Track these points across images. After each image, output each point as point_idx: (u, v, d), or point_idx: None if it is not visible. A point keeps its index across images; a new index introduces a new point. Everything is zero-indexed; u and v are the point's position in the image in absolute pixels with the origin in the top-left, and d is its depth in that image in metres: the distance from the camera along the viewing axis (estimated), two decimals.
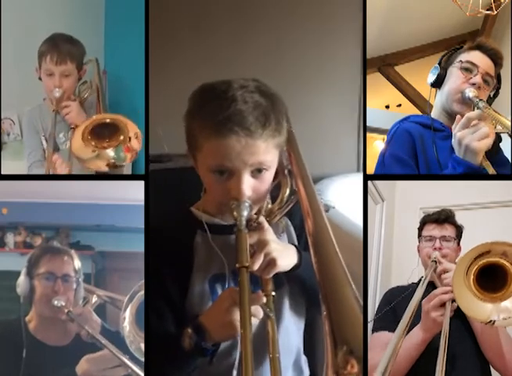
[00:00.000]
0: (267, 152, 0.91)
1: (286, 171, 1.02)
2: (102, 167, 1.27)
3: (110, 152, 1.26)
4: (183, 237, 1.03)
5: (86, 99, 1.57)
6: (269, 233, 0.96)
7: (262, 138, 0.89)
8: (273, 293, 0.90)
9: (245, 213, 0.92)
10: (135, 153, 1.28)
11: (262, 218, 0.98)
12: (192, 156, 0.98)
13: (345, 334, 0.69)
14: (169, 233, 1.04)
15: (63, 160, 1.43)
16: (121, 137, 1.27)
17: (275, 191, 1.02)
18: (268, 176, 0.95)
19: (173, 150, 1.73)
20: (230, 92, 0.89)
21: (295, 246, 1.03)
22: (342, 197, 1.84)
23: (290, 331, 1.07)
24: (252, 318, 0.83)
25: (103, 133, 1.28)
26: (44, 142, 1.54)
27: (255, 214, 0.99)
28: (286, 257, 0.96)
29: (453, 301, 1.10)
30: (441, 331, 1.09)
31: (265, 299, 0.88)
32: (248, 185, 0.92)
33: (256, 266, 0.89)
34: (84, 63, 1.57)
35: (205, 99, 0.92)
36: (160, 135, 1.65)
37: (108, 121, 1.29)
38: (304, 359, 1.13)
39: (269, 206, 1.03)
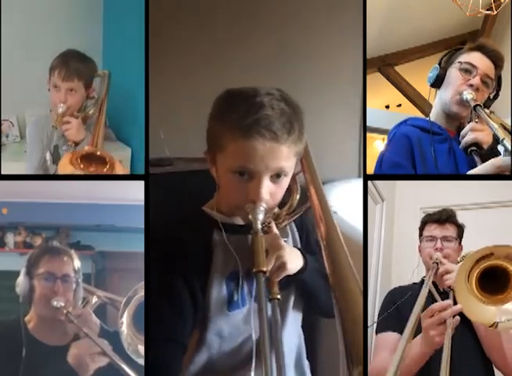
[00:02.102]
0: (288, 158, 0.94)
1: (296, 178, 1.05)
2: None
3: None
4: (199, 237, 1.03)
5: (91, 116, 1.57)
6: (279, 237, 0.98)
7: (286, 143, 0.92)
8: (278, 296, 0.90)
9: (260, 216, 0.94)
10: None
11: (272, 223, 1.01)
12: (211, 156, 0.99)
13: (360, 354, 0.69)
14: (184, 234, 1.03)
15: None
16: (105, 169, 1.39)
17: (285, 197, 1.03)
18: (285, 182, 0.98)
19: (174, 153, 1.74)
20: (258, 98, 0.92)
21: (299, 250, 1.04)
22: (344, 202, 1.85)
23: (291, 331, 1.08)
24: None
25: (92, 158, 1.39)
26: (47, 154, 1.54)
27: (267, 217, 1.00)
28: (294, 260, 0.98)
29: (454, 316, 1.06)
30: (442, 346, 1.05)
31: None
32: (267, 189, 0.94)
33: (268, 269, 0.90)
34: (96, 76, 1.58)
35: (232, 102, 0.94)
36: (161, 139, 1.65)
37: (98, 154, 1.41)
38: (306, 364, 1.15)
39: (276, 210, 1.05)
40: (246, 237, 1.02)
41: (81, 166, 1.38)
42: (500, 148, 1.17)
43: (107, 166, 1.39)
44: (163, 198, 1.29)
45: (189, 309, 0.98)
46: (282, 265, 0.93)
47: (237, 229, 1.03)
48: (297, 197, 1.06)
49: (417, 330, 1.06)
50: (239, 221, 1.03)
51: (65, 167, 1.37)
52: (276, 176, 0.94)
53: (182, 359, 0.97)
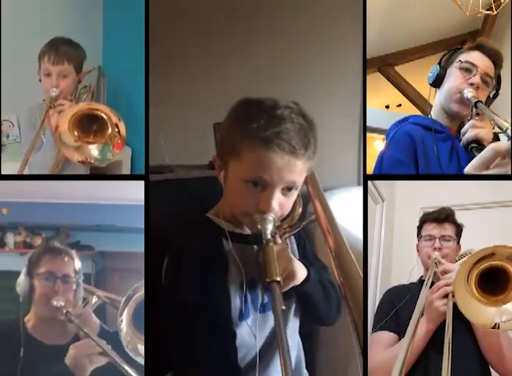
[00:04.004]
0: (301, 173, 0.96)
1: (299, 192, 1.04)
2: (76, 159, 1.29)
3: (94, 150, 1.29)
4: (205, 245, 1.02)
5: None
6: (286, 247, 1.00)
7: (303, 159, 0.93)
8: (283, 307, 0.87)
9: (269, 227, 0.94)
10: (122, 147, 1.28)
11: (277, 235, 1.00)
12: (222, 161, 0.99)
13: None
14: (187, 239, 1.03)
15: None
16: (109, 131, 1.27)
17: None
18: (294, 196, 0.99)
19: (174, 160, 1.73)
20: (278, 110, 0.93)
21: (301, 261, 1.04)
22: (343, 210, 1.84)
23: (290, 342, 1.07)
24: None
25: (90, 128, 1.29)
26: (43, 141, 1.54)
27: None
28: (300, 270, 0.99)
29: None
30: (444, 322, 1.11)
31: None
32: (277, 200, 0.94)
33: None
34: (88, 71, 1.58)
35: (252, 112, 0.94)
36: (161, 146, 1.65)
37: (98, 113, 1.27)
38: (305, 374, 1.15)
39: (277, 223, 1.04)
40: (250, 247, 1.03)
41: (75, 133, 1.28)
42: (503, 138, 1.17)
43: (109, 129, 1.27)
44: (163, 204, 1.28)
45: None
46: (291, 275, 0.94)
47: (241, 239, 1.03)
48: (300, 210, 1.07)
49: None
50: (244, 230, 1.03)
51: (63, 123, 1.28)
52: (287, 189, 0.95)
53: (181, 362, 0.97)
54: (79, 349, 1.13)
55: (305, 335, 1.12)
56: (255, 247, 1.03)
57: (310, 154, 0.95)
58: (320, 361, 1.23)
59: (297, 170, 0.93)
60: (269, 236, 0.93)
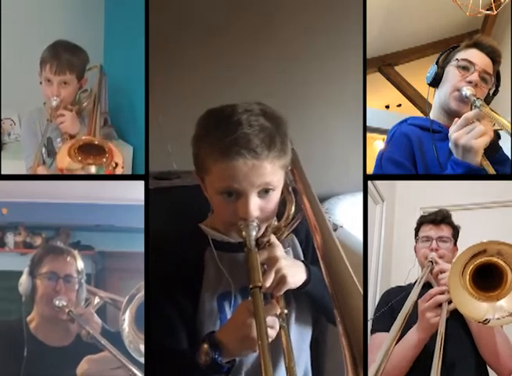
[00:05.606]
0: (273, 173, 0.93)
1: (290, 189, 1.04)
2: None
3: (93, 168, 1.38)
4: (193, 254, 1.04)
5: (85, 108, 1.57)
6: (279, 250, 0.97)
7: (268, 159, 0.91)
8: (285, 311, 0.90)
9: (253, 233, 0.94)
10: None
11: (273, 236, 1.00)
12: (200, 178, 1.00)
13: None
14: (179, 249, 1.05)
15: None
16: (104, 159, 1.36)
17: (280, 208, 1.03)
18: (275, 196, 0.97)
19: (181, 167, 1.74)
20: (235, 117, 0.91)
21: (303, 261, 1.04)
22: (349, 215, 1.84)
23: (297, 349, 1.04)
24: (270, 330, 0.84)
25: (90, 150, 1.37)
26: (42, 148, 1.54)
27: (264, 232, 0.99)
28: (296, 274, 0.97)
29: (450, 302, 1.10)
30: (437, 332, 1.09)
31: (278, 309, 0.90)
32: (255, 205, 0.93)
33: (267, 284, 0.90)
34: (88, 68, 1.57)
35: (211, 123, 0.94)
36: (169, 153, 1.65)
37: (96, 143, 1.37)
38: None
39: (275, 223, 1.04)
40: (239, 255, 1.02)
41: (79, 158, 1.36)
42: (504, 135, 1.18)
43: (106, 155, 1.36)
44: (164, 207, 1.28)
45: (178, 324, 0.99)
46: (282, 279, 0.92)
47: (230, 247, 1.04)
48: (293, 207, 1.05)
49: (407, 327, 1.09)
50: (235, 238, 1.03)
51: (63, 159, 1.35)
52: (264, 192, 0.94)
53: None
54: (93, 365, 1.13)
55: (312, 341, 1.11)
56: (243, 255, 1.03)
57: (276, 153, 0.92)
58: (327, 367, 1.22)
59: (266, 172, 0.92)
60: (253, 243, 0.93)
